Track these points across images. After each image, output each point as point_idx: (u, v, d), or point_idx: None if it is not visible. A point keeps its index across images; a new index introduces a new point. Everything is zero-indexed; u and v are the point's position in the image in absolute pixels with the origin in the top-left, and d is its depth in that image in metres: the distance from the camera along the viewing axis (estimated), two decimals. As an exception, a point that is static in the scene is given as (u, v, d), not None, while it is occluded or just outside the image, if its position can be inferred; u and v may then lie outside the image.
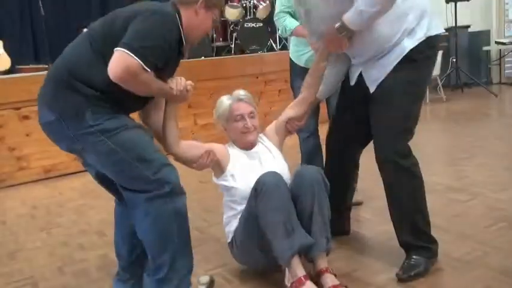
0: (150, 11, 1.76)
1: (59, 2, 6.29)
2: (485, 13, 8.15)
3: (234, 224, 2.16)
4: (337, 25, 1.96)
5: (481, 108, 6.26)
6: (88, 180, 4.34)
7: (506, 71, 8.49)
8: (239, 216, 2.12)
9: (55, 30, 6.08)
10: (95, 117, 1.72)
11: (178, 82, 1.91)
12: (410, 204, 2.08)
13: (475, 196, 2.96)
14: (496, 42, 8.03)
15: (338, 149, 2.37)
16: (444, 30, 2.13)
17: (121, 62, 1.65)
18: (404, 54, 2.02)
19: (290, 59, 3.13)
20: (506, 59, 8.35)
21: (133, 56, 1.64)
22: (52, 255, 2.69)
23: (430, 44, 2.05)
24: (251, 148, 2.24)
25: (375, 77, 2.09)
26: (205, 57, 5.70)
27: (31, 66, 5.46)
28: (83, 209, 3.50)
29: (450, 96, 7.20)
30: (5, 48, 5.25)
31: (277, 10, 3.07)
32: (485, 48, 8.10)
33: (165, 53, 1.75)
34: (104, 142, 1.71)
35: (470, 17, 7.89)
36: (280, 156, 2.29)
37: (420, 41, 2.01)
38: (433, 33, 2.05)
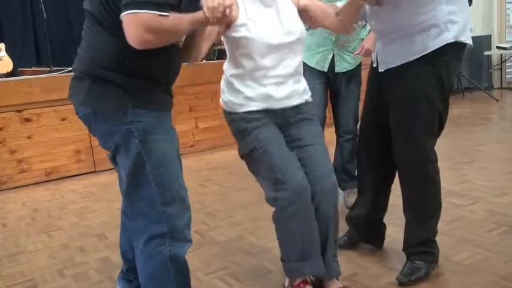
0: None
1: (61, 5, 6.32)
2: (486, 18, 8.15)
3: (237, 88, 1.90)
4: None
5: (482, 112, 6.26)
6: (89, 182, 4.38)
7: (507, 76, 8.49)
8: (247, 78, 1.88)
9: (57, 33, 6.12)
10: (135, 111, 1.54)
11: (212, 5, 1.53)
12: (427, 210, 2.07)
13: (476, 200, 2.96)
14: (497, 47, 8.04)
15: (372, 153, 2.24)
16: (472, 45, 1.98)
17: (134, 25, 1.39)
18: (425, 53, 1.88)
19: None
20: (507, 64, 8.35)
21: (142, 11, 1.38)
22: (52, 257, 2.69)
23: (455, 49, 1.91)
24: None
25: (387, 59, 2.00)
26: (206, 60, 5.72)
27: (33, 68, 5.48)
28: (83, 211, 3.50)
29: (451, 101, 7.13)
30: (7, 51, 5.27)
31: None
32: (486, 53, 8.11)
33: None
34: (135, 144, 1.54)
35: (472, 22, 7.90)
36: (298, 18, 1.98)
37: (447, 42, 1.87)
38: (462, 40, 1.90)
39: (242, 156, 1.97)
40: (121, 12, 1.41)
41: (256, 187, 1.99)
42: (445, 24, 1.87)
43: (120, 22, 1.42)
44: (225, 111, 2.00)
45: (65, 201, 3.81)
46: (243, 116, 1.91)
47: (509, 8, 8.42)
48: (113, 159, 1.65)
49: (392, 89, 2.01)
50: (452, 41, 1.87)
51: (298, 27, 1.92)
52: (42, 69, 5.18)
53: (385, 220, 2.34)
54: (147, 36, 1.40)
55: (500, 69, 8.37)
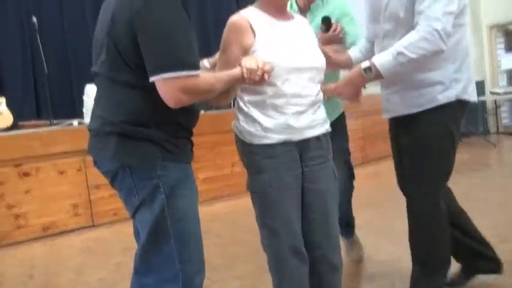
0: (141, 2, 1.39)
1: (63, 60, 6.44)
2: (478, 64, 8.33)
3: (255, 118, 1.79)
4: (363, 64, 1.88)
5: (480, 158, 6.28)
6: (86, 237, 4.31)
7: (503, 121, 8.59)
8: (267, 106, 1.78)
9: (58, 87, 6.20)
10: (164, 164, 1.52)
11: (250, 67, 1.57)
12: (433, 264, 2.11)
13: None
14: (491, 93, 8.17)
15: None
16: (477, 100, 2.10)
17: (169, 89, 1.41)
18: (433, 106, 1.96)
19: None
20: (502, 109, 8.46)
21: (173, 75, 1.39)
22: (49, 317, 2.60)
23: (460, 104, 2.00)
24: (284, 16, 1.88)
25: (393, 108, 2.09)
26: (204, 111, 5.79)
27: (33, 122, 5.51)
28: (81, 267, 3.42)
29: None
30: (8, 105, 5.32)
31: None
32: (480, 98, 8.23)
33: (191, 36, 1.45)
34: (161, 200, 1.51)
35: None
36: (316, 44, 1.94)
37: (449, 100, 1.96)
38: (465, 98, 2.00)
39: (248, 188, 1.89)
40: (141, 65, 1.42)
41: (256, 239, 1.95)
42: (450, 83, 1.95)
43: (139, 75, 1.44)
44: (238, 139, 1.87)
45: (63, 257, 3.74)
46: (260, 149, 1.79)
47: (499, 55, 8.62)
48: (134, 214, 1.60)
49: (403, 136, 2.09)
50: (455, 99, 1.97)
51: (319, 55, 1.88)
52: (42, 122, 5.21)
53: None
54: (183, 97, 1.43)
55: (495, 114, 8.47)
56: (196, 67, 1.45)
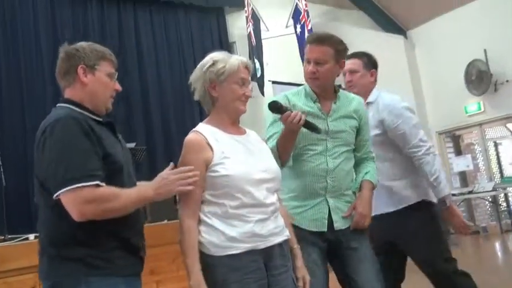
0: (45, 133, 1.59)
1: (21, 175, 6.33)
2: (432, 167, 8.65)
3: (217, 228, 1.76)
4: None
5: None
6: None
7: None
8: (230, 216, 1.76)
9: (15, 201, 6.02)
10: (87, 280, 1.54)
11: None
12: None
13: None
14: (447, 194, 8.44)
15: None
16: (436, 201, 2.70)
17: (70, 202, 1.50)
18: (408, 204, 2.64)
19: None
20: (459, 209, 8.69)
21: (73, 187, 1.49)
22: None
23: (426, 206, 2.70)
24: (237, 130, 1.95)
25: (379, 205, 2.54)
26: (168, 220, 5.66)
27: (-15, 238, 5.24)
28: None
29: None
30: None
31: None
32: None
33: (94, 150, 1.57)
34: None
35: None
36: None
37: (418, 200, 2.65)
38: (426, 198, 2.70)
39: None
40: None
41: None
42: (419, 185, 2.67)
43: (48, 196, 1.56)
44: (200, 253, 1.79)
45: None
46: (224, 261, 1.75)
47: (450, 158, 9.08)
48: None
49: (395, 232, 2.63)
50: (419, 200, 2.66)
51: (275, 166, 1.93)
52: (-5, 238, 4.97)
53: None
54: (86, 207, 1.51)
55: (453, 214, 8.68)
56: (91, 178, 1.53)
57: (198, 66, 1.93)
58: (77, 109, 1.67)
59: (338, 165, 2.27)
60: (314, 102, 2.33)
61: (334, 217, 2.24)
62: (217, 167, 1.78)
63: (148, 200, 1.66)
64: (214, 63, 1.89)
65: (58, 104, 1.72)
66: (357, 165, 2.45)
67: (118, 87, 1.81)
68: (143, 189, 1.66)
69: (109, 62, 1.77)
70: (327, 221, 2.23)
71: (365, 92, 2.73)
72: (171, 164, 1.77)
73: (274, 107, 2.09)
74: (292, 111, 2.05)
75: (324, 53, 2.25)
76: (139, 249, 1.73)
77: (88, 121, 1.64)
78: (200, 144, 1.82)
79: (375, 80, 2.83)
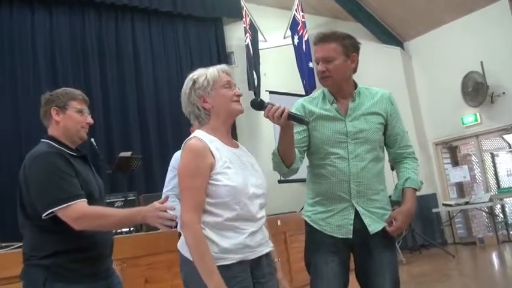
0: (31, 162, 1.95)
1: (16, 182, 6.30)
2: (429, 178, 8.69)
3: (211, 238, 1.75)
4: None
5: (441, 269, 6.28)
6: None
7: (458, 231, 8.78)
8: (225, 227, 1.77)
9: (7, 207, 5.98)
10: (49, 285, 1.86)
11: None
12: None
13: None
14: (443, 205, 8.44)
15: None
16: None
17: (67, 215, 1.87)
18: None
19: (306, 222, 2.31)
20: (456, 220, 8.69)
21: (62, 206, 1.86)
22: None
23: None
24: (231, 142, 1.96)
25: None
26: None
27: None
28: None
29: (410, 259, 7.24)
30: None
31: None
32: (434, 210, 8.47)
33: (70, 175, 1.93)
34: None
35: (416, 182, 8.37)
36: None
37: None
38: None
39: None
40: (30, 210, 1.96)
41: None
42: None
43: (27, 217, 1.98)
44: (187, 262, 1.79)
45: None
46: None
47: (447, 169, 9.09)
48: None
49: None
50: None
51: (264, 181, 1.95)
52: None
53: None
54: (74, 224, 1.87)
55: (450, 225, 8.68)
56: (69, 199, 1.88)
57: (181, 95, 1.96)
58: (55, 144, 2.02)
59: (363, 168, 2.17)
60: (331, 104, 2.25)
61: (367, 220, 2.16)
62: (219, 176, 1.79)
63: (134, 223, 2.08)
64: (195, 81, 1.92)
65: (41, 140, 2.06)
66: (395, 162, 2.36)
67: (89, 120, 2.15)
68: (135, 213, 1.98)
69: (79, 100, 2.10)
70: (352, 227, 2.16)
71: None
72: (166, 197, 2.03)
73: (254, 103, 2.01)
74: (273, 106, 1.96)
75: (330, 50, 2.16)
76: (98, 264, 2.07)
77: (64, 154, 2.00)
78: (205, 150, 1.81)
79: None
